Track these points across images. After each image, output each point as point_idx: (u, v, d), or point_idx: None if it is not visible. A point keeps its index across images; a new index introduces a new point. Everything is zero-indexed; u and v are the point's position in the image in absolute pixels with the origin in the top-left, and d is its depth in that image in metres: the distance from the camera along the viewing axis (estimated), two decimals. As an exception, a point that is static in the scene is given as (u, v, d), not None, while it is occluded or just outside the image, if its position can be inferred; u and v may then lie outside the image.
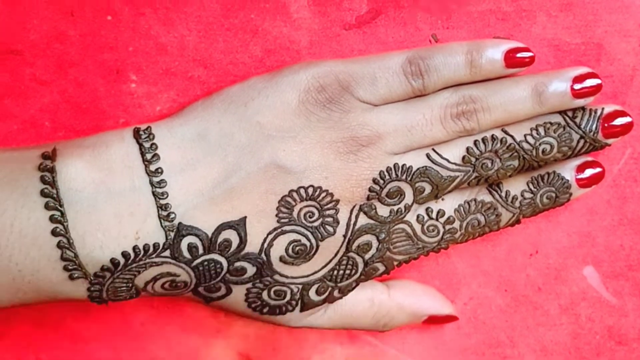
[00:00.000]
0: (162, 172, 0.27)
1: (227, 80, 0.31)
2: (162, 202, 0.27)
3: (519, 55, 0.30)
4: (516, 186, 0.31)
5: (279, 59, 0.31)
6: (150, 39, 0.31)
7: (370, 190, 0.29)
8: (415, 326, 0.34)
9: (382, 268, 0.31)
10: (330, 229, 0.29)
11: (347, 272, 0.30)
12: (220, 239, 0.27)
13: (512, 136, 0.30)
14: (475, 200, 0.30)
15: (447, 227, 0.30)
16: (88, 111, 0.31)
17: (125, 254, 0.26)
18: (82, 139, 0.28)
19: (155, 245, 0.27)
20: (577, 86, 0.30)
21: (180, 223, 0.27)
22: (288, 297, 0.29)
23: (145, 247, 0.27)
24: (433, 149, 0.30)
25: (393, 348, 0.34)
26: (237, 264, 0.28)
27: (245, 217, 0.28)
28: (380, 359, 0.35)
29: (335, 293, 0.30)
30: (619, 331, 0.34)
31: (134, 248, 0.27)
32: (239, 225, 0.28)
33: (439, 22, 0.31)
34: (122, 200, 0.27)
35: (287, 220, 0.28)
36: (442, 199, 0.30)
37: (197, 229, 0.27)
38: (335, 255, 0.29)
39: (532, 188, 0.31)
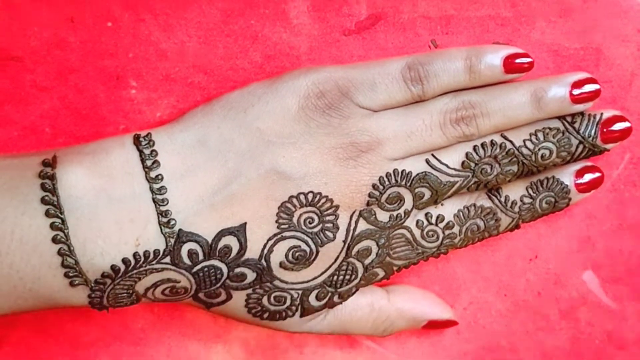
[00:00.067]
0: (162, 179, 0.27)
1: (227, 86, 0.31)
2: (163, 208, 0.27)
3: (518, 60, 0.30)
4: (515, 191, 0.31)
5: (279, 65, 0.31)
6: (150, 45, 0.31)
7: (369, 195, 0.29)
8: (415, 331, 0.34)
9: (381, 273, 0.31)
10: (330, 234, 0.29)
11: (347, 277, 0.30)
12: (220, 245, 0.27)
13: (511, 141, 0.30)
14: (474, 205, 0.30)
15: (447, 232, 0.30)
16: (88, 117, 0.31)
17: (125, 261, 0.27)
18: (82, 145, 0.29)
19: (156, 252, 0.27)
20: (576, 91, 0.30)
21: (180, 229, 0.27)
22: (288, 302, 0.29)
23: (146, 254, 0.27)
24: (432, 155, 0.30)
25: (393, 353, 0.34)
26: (237, 269, 0.28)
27: (246, 223, 0.28)
28: (380, 364, 0.35)
29: (335, 298, 0.30)
30: (618, 336, 0.34)
31: (135, 255, 0.27)
32: (239, 232, 0.28)
33: (438, 27, 0.31)
34: (123, 207, 0.27)
35: (287, 226, 0.28)
36: (442, 204, 0.30)
37: (198, 235, 0.27)
38: (335, 260, 0.29)
39: (532, 193, 0.31)
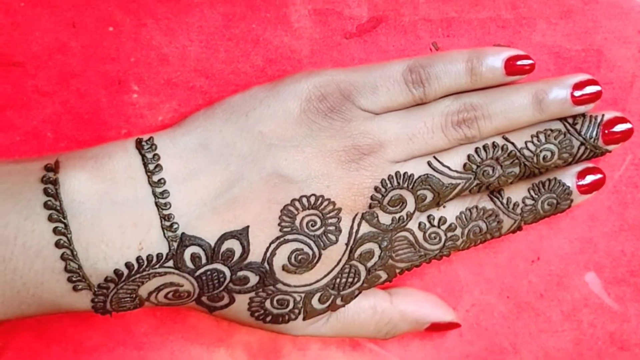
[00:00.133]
0: (164, 183, 0.27)
1: (228, 90, 0.31)
2: (165, 212, 0.27)
3: (519, 63, 0.30)
4: (517, 193, 0.31)
5: (280, 68, 0.31)
6: (151, 50, 0.31)
7: (372, 198, 0.29)
8: (417, 333, 0.34)
9: (384, 276, 0.31)
10: (333, 237, 0.29)
11: (350, 280, 0.30)
12: (223, 249, 0.27)
13: (512, 143, 0.30)
14: (476, 207, 0.30)
15: (449, 234, 0.30)
16: (90, 122, 0.31)
17: (128, 265, 0.27)
18: (85, 150, 0.29)
19: (159, 256, 0.27)
20: (577, 93, 0.30)
21: (183, 233, 0.27)
22: (291, 305, 0.29)
23: (149, 258, 0.27)
24: (434, 157, 0.30)
25: (396, 356, 0.34)
26: (240, 273, 0.28)
27: (248, 227, 0.28)
28: (383, 367, 0.35)
29: (338, 301, 0.30)
30: (621, 337, 0.34)
31: (138, 259, 0.27)
32: (241, 235, 0.28)
33: (439, 30, 0.31)
34: (125, 211, 0.27)
35: (289, 229, 0.28)
36: (444, 207, 0.30)
37: (200, 239, 0.27)
38: (338, 263, 0.29)
39: (534, 195, 0.31)
